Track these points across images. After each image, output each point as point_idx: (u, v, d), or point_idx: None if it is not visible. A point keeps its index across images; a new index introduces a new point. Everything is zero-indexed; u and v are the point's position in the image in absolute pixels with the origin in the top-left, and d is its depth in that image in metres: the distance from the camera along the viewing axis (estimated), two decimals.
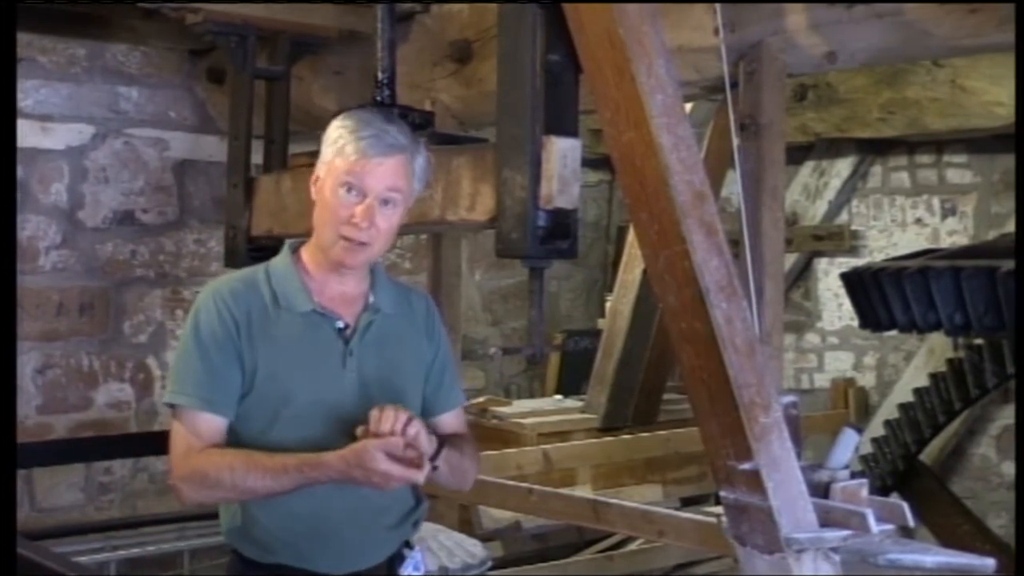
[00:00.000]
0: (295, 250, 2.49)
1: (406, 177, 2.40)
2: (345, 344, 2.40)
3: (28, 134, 4.69)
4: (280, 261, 2.46)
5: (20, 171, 4.69)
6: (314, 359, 2.38)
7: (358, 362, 2.40)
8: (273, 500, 2.32)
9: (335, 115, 2.48)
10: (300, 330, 2.38)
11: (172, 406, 2.38)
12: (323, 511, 2.36)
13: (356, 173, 2.35)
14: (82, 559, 4.13)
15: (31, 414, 4.74)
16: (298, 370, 2.36)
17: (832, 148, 6.57)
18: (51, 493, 4.81)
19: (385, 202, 2.37)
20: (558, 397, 6.29)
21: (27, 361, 4.73)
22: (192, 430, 2.34)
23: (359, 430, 2.26)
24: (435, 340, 2.56)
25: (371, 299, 2.46)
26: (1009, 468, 5.91)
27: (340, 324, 2.41)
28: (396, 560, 2.51)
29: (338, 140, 2.38)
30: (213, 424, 2.34)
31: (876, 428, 5.72)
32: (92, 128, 4.90)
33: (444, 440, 2.39)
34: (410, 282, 5.94)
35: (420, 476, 2.26)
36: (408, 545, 2.55)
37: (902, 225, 6.49)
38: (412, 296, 2.58)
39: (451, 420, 2.56)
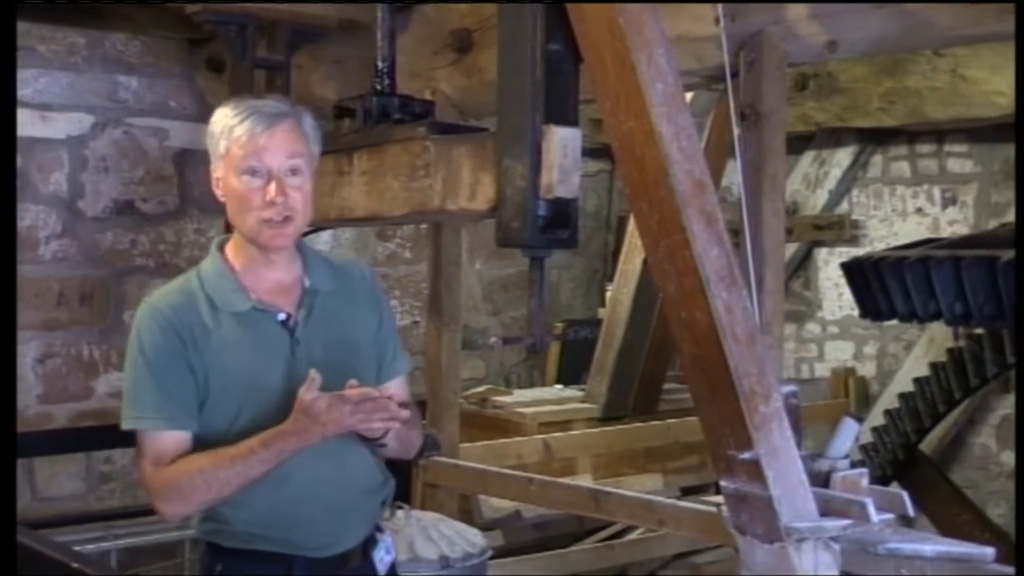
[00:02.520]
0: (221, 248, 2.46)
1: (301, 140, 2.39)
2: (291, 335, 2.39)
3: (27, 123, 4.68)
4: (210, 264, 2.44)
5: (19, 160, 4.68)
6: (263, 357, 2.37)
7: (307, 350, 2.39)
8: (241, 496, 2.31)
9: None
10: (243, 331, 2.37)
11: (132, 432, 2.37)
12: (296, 498, 2.36)
13: (253, 153, 2.34)
14: (83, 548, 4.13)
15: (31, 403, 4.74)
16: (249, 372, 2.35)
17: (833, 137, 6.57)
18: (52, 482, 4.82)
19: (291, 172, 2.36)
20: (558, 387, 6.29)
21: (27, 351, 4.73)
22: (156, 451, 2.34)
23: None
24: (377, 309, 2.56)
25: (307, 283, 2.45)
26: (1009, 457, 5.92)
27: (281, 316, 2.40)
28: (369, 544, 2.52)
29: (223, 131, 2.36)
30: (176, 440, 2.34)
31: (876, 418, 5.72)
32: (92, 117, 4.89)
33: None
34: (410, 272, 6.02)
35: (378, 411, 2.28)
36: (379, 528, 2.56)
37: (902, 215, 6.48)
38: (351, 271, 2.57)
39: (394, 389, 2.53)
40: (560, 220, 2.73)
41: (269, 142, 2.34)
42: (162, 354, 2.33)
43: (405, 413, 2.33)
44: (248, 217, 2.36)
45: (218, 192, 2.42)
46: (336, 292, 2.48)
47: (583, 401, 5.84)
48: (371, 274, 2.63)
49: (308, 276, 2.46)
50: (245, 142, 2.33)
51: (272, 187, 2.34)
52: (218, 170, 2.40)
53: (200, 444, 2.34)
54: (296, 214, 2.38)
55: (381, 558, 2.54)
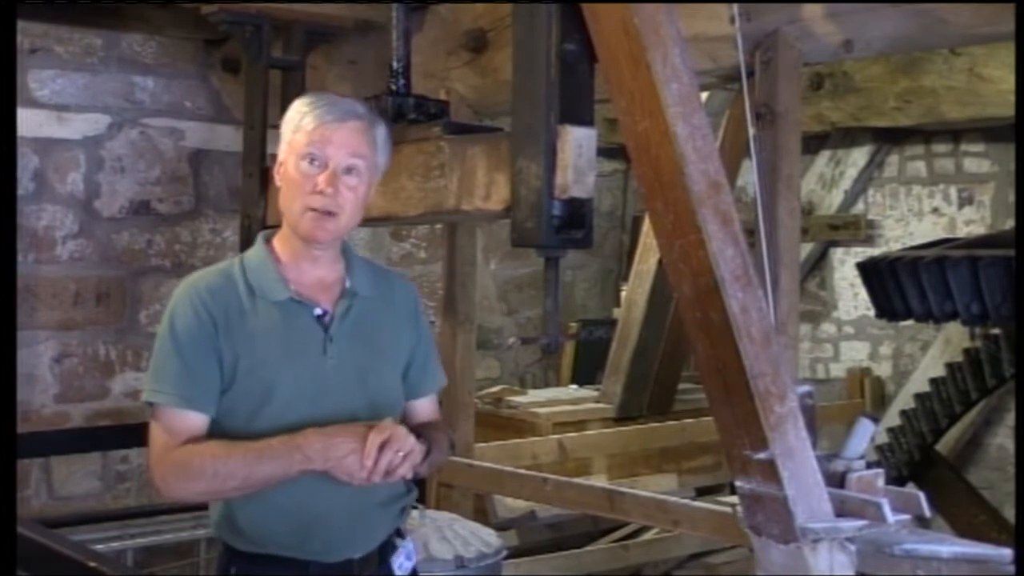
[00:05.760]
0: (268, 240, 2.47)
1: (367, 144, 2.39)
2: (325, 331, 2.38)
3: (44, 124, 4.71)
4: (254, 253, 2.44)
5: (37, 161, 4.71)
6: (294, 349, 2.36)
7: (338, 348, 2.39)
8: (255, 496, 2.30)
9: None
10: (279, 320, 2.36)
11: (150, 404, 2.37)
12: (309, 502, 2.34)
13: (316, 142, 2.34)
14: (99, 547, 4.14)
15: (48, 403, 4.76)
16: (279, 361, 2.34)
17: (848, 137, 6.55)
18: (68, 481, 4.84)
19: (348, 170, 2.36)
20: (573, 387, 6.30)
21: (44, 350, 4.75)
22: (169, 428, 2.33)
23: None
24: (418, 326, 2.56)
25: (347, 283, 2.45)
26: None
27: (318, 311, 2.40)
28: (388, 549, 2.50)
29: (294, 118, 2.39)
30: (191, 421, 2.32)
31: (892, 418, 5.71)
32: (108, 118, 4.91)
33: (428, 443, 2.37)
34: (425, 272, 6.02)
35: (390, 475, 2.27)
36: (399, 534, 2.54)
37: (919, 214, 6.47)
38: (392, 280, 2.58)
39: (427, 404, 2.57)
40: (575, 220, 2.73)
41: (334, 135, 2.35)
42: (192, 335, 2.32)
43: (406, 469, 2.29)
44: (295, 203, 2.36)
45: (277, 179, 2.43)
46: (376, 298, 2.48)
47: (598, 401, 5.84)
48: (414, 290, 2.62)
49: (349, 277, 2.46)
50: (312, 130, 2.35)
51: (324, 177, 2.34)
52: (281, 155, 2.42)
53: (220, 431, 2.33)
54: (342, 212, 2.36)
55: (400, 564, 2.51)
